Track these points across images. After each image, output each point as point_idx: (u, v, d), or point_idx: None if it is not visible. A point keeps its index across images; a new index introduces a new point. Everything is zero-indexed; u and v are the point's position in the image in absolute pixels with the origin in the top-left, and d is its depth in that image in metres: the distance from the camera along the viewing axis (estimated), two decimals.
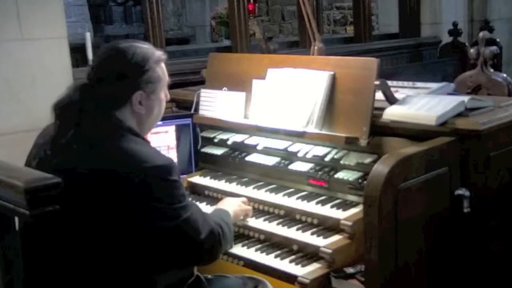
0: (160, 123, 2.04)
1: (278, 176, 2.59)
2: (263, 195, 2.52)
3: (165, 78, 1.99)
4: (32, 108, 3.03)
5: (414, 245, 1.98)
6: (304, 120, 2.45)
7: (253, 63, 2.78)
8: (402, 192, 1.89)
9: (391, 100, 2.35)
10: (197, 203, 2.34)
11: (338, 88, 2.41)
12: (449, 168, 2.06)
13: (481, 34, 3.16)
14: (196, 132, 2.89)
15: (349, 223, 2.14)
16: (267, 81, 2.63)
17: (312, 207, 2.34)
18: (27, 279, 1.53)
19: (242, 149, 2.73)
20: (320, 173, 2.42)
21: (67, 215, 1.66)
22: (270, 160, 2.60)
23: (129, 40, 2.01)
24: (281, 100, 2.56)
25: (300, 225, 2.30)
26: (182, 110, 3.06)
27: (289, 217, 2.39)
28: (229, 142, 2.77)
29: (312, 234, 2.23)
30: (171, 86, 2.08)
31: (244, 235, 2.38)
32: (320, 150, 2.43)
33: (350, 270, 2.06)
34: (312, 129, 2.43)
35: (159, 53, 1.96)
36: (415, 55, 5.64)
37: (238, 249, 2.29)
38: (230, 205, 2.30)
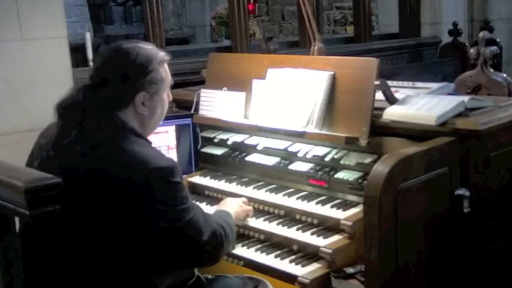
0: (160, 123, 2.05)
1: (278, 176, 2.59)
2: (263, 195, 2.52)
3: (168, 79, 1.98)
4: (32, 108, 3.03)
5: (414, 245, 1.98)
6: (304, 120, 2.45)
7: (253, 63, 2.78)
8: (402, 192, 1.89)
9: (391, 100, 2.35)
10: (197, 203, 2.33)
11: (338, 88, 2.41)
12: (449, 168, 2.06)
13: (481, 34, 3.16)
14: (196, 132, 2.88)
15: (349, 223, 2.14)
16: (267, 81, 2.63)
17: (312, 207, 2.34)
18: (27, 279, 1.53)
19: (242, 149, 2.73)
20: (320, 173, 2.42)
21: (69, 216, 1.66)
22: (270, 160, 2.60)
23: (133, 40, 2.00)
24: (281, 100, 2.55)
25: (300, 225, 2.30)
26: (182, 110, 3.06)
27: (289, 217, 2.39)
28: (229, 142, 2.77)
29: (312, 234, 2.23)
30: (171, 86, 2.08)
31: (244, 235, 2.38)
32: (320, 150, 2.43)
33: (350, 270, 2.06)
34: (312, 129, 2.43)
35: (162, 54, 1.95)
36: (415, 55, 5.65)
37: (238, 249, 2.29)
38: (231, 206, 2.29)
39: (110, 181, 1.72)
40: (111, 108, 1.83)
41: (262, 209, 2.48)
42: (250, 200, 2.48)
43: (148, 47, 1.93)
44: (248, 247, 2.30)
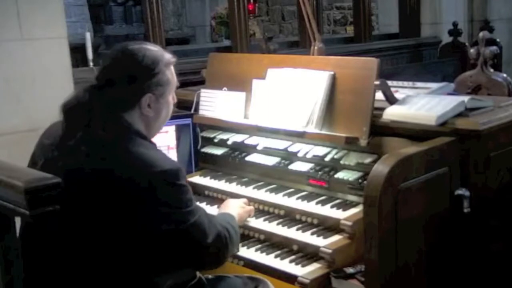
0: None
1: (278, 176, 2.59)
2: (263, 195, 2.52)
3: (174, 81, 1.98)
4: (32, 108, 3.03)
5: (414, 245, 1.98)
6: (304, 120, 2.45)
7: (253, 63, 2.78)
8: (402, 192, 1.89)
9: (391, 100, 2.35)
10: (197, 203, 2.34)
11: (338, 88, 2.41)
12: (449, 168, 2.06)
13: (481, 34, 3.16)
14: (196, 132, 2.88)
15: (349, 223, 2.14)
16: (267, 81, 2.63)
17: (312, 207, 2.34)
18: (27, 279, 1.53)
19: (242, 149, 2.73)
20: (320, 173, 2.42)
21: (72, 216, 1.66)
22: (270, 160, 2.60)
23: (138, 42, 1.99)
24: (281, 100, 2.55)
25: (300, 225, 2.30)
26: (182, 110, 3.05)
27: (289, 217, 2.38)
28: (229, 142, 2.77)
29: (312, 234, 2.23)
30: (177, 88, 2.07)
31: (244, 235, 2.38)
32: (320, 150, 2.43)
33: (350, 270, 2.06)
34: (312, 129, 2.43)
35: (168, 56, 1.95)
36: (415, 55, 5.65)
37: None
38: (234, 208, 2.29)
39: (113, 182, 1.71)
40: (117, 109, 1.83)
41: (262, 209, 2.48)
42: (250, 200, 2.48)
43: (154, 49, 1.93)
44: (248, 247, 2.30)
